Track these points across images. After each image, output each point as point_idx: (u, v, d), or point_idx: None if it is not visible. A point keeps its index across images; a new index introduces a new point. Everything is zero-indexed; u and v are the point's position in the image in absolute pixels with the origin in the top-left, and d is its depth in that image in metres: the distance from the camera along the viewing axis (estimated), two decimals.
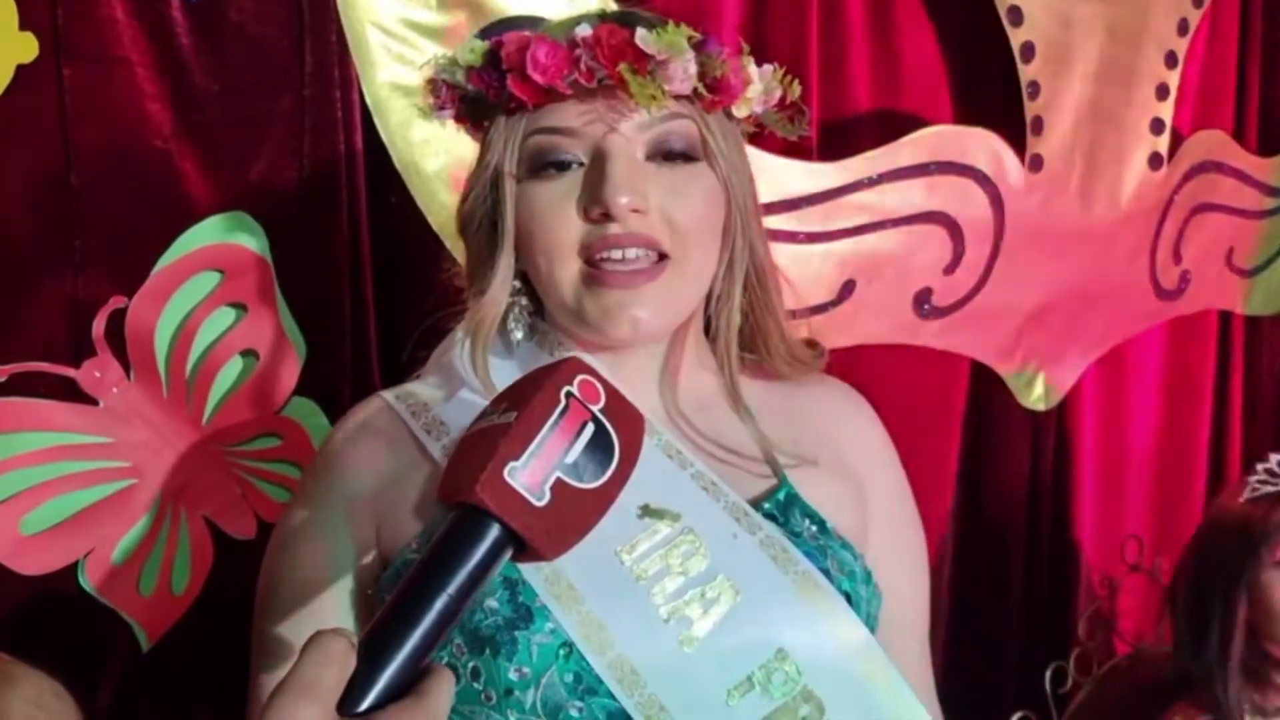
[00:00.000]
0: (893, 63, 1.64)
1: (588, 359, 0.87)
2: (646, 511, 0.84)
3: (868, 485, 0.96)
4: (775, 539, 0.84)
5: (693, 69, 0.85)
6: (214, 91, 1.22)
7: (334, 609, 0.86)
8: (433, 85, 0.92)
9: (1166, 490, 2.01)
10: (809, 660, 0.81)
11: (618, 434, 0.66)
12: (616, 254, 0.84)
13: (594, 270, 0.85)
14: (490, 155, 0.88)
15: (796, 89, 0.94)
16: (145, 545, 1.23)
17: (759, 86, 0.91)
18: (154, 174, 1.20)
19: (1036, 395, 1.82)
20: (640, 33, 0.84)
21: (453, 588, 0.61)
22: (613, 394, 0.67)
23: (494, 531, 0.62)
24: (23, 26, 1.10)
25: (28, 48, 1.11)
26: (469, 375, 0.89)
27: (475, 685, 0.79)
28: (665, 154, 0.86)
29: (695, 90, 0.86)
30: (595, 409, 0.65)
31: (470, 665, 0.79)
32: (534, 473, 0.62)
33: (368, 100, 1.29)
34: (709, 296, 0.92)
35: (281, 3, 1.24)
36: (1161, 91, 1.76)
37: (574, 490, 0.64)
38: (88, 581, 1.20)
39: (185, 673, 1.26)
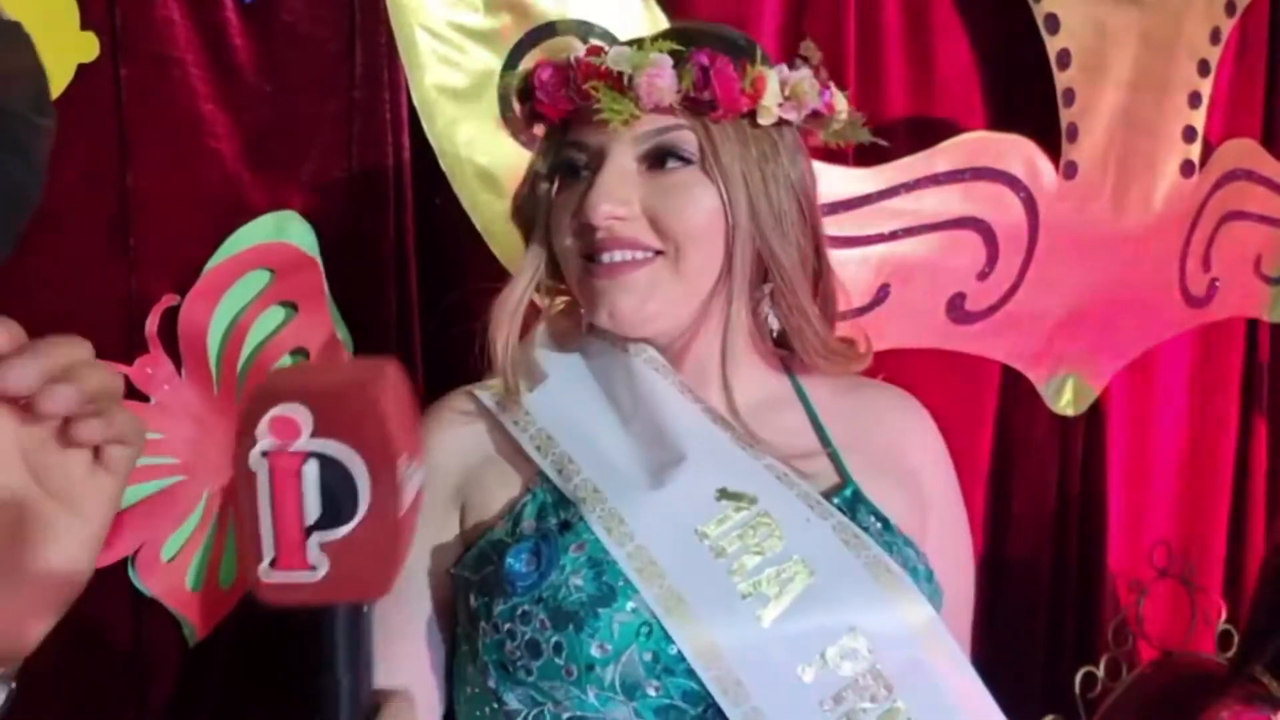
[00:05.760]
0: (929, 69, 1.65)
1: (642, 357, 0.93)
2: (724, 494, 0.88)
3: (924, 482, 1.00)
4: (847, 525, 0.89)
5: (663, 83, 0.88)
6: (266, 92, 1.23)
7: (414, 586, 0.91)
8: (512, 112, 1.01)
9: (1194, 496, 2.02)
10: (879, 640, 0.84)
11: (349, 449, 0.55)
12: (604, 257, 0.91)
13: (588, 264, 0.92)
14: (534, 162, 0.98)
15: (815, 93, 0.94)
16: (194, 541, 1.24)
17: (775, 94, 0.91)
18: (207, 173, 1.21)
19: (1066, 401, 1.83)
20: (613, 52, 0.89)
21: (339, 669, 0.58)
22: (323, 404, 0.54)
23: (327, 613, 0.58)
24: (84, 26, 1.11)
25: (89, 47, 1.12)
26: (503, 358, 0.95)
27: (557, 660, 0.82)
28: (655, 161, 0.91)
29: (685, 101, 0.89)
30: (306, 445, 0.54)
31: (553, 640, 0.82)
32: (291, 555, 0.54)
33: (415, 102, 1.30)
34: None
35: (333, 5, 1.25)
36: (1194, 99, 1.77)
37: (345, 540, 0.55)
38: (137, 576, 1.21)
39: (233, 667, 1.27)
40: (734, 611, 0.83)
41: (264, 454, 0.54)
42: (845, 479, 0.94)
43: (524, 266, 0.98)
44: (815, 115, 0.96)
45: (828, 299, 1.00)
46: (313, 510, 0.54)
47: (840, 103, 0.98)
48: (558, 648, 0.82)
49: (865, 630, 0.84)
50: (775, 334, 0.99)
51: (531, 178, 0.97)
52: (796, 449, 0.94)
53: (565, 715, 0.84)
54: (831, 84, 0.98)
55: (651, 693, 0.82)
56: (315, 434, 0.54)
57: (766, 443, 0.93)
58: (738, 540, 0.85)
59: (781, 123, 0.94)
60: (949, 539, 1.01)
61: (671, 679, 0.82)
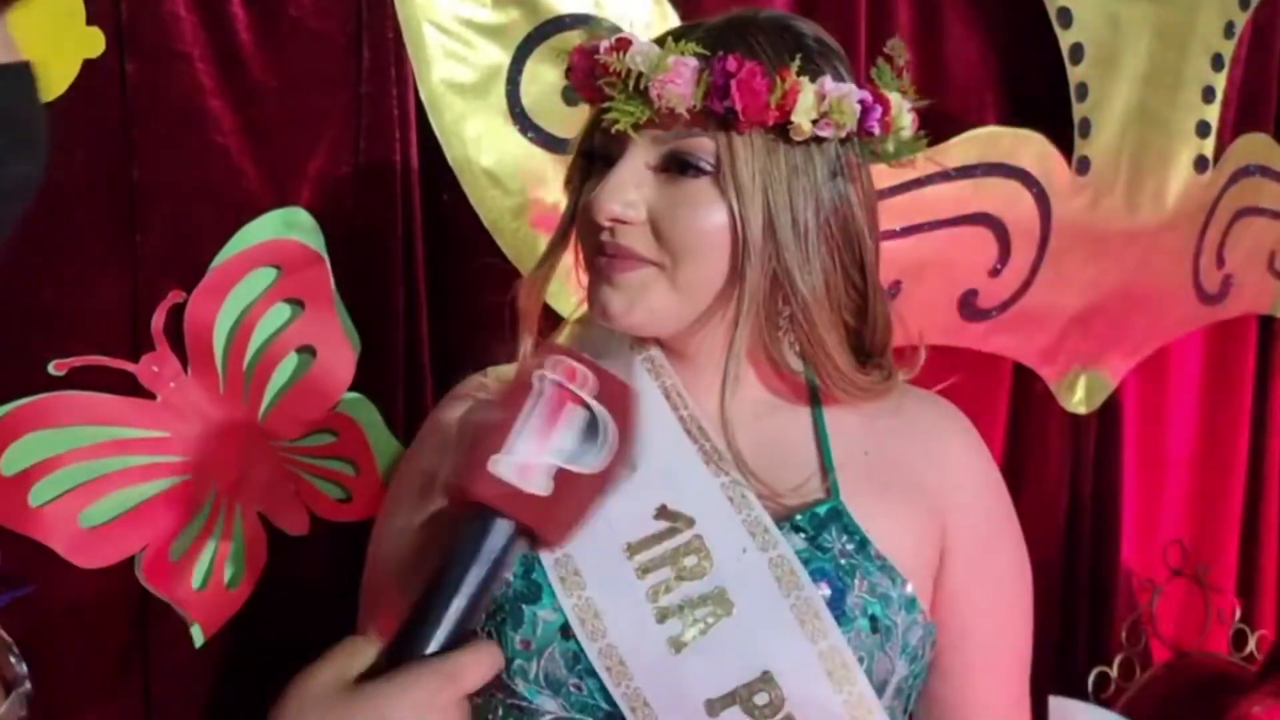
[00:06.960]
0: (940, 64, 1.63)
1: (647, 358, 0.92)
2: (662, 513, 0.85)
3: (949, 513, 0.92)
4: (786, 560, 0.83)
5: (676, 89, 0.82)
6: (272, 87, 1.22)
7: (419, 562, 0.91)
8: None
9: (1207, 494, 2.01)
10: (794, 688, 0.80)
11: (609, 414, 0.66)
12: (607, 251, 0.88)
13: (595, 257, 0.90)
14: (574, 142, 0.96)
15: (854, 114, 0.85)
16: (200, 540, 1.23)
17: (809, 109, 0.83)
18: (213, 169, 1.19)
19: (1078, 398, 1.82)
20: (635, 47, 0.84)
21: (468, 587, 0.63)
22: (599, 375, 0.66)
23: (499, 525, 0.63)
24: (89, 21, 1.10)
25: (94, 42, 1.11)
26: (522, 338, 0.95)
27: None
28: (670, 167, 0.86)
29: (703, 109, 0.83)
30: (580, 391, 0.65)
31: (487, 629, 0.84)
32: (523, 463, 0.63)
33: (422, 97, 1.29)
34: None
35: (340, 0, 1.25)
36: (1207, 94, 1.76)
37: (569, 475, 0.64)
38: (143, 576, 1.20)
39: (239, 667, 1.26)
40: (646, 633, 0.81)
41: (545, 380, 0.64)
42: (829, 494, 0.88)
43: (553, 241, 0.95)
44: (865, 134, 0.87)
45: (874, 330, 0.92)
46: (558, 441, 0.63)
47: (903, 120, 0.89)
48: (489, 636, 0.84)
49: (780, 675, 0.80)
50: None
51: (574, 160, 0.95)
52: (780, 464, 0.89)
53: (509, 701, 0.84)
54: (894, 96, 0.89)
55: (574, 691, 0.82)
56: (591, 392, 0.65)
57: (739, 457, 0.88)
58: (667, 563, 0.83)
59: (821, 138, 0.85)
60: (982, 570, 0.92)
61: (594, 680, 0.82)
